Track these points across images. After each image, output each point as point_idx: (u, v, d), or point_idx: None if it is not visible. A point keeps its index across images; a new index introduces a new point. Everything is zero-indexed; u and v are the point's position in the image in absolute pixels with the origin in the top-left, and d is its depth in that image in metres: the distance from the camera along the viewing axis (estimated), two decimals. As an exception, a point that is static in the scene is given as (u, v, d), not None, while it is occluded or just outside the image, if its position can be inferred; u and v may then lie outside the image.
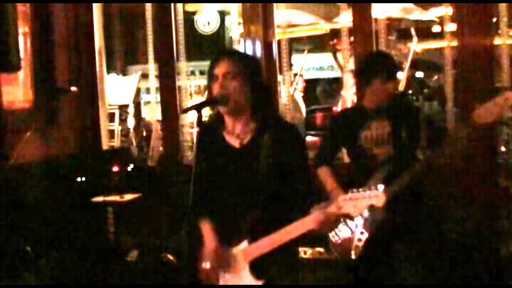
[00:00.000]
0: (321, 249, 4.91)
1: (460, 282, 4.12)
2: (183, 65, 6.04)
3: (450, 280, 3.72)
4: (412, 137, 3.46)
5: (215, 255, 2.57)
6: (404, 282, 3.44)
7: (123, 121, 7.16)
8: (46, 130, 5.62)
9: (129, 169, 5.46)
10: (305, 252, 4.94)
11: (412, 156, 3.48)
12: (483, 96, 4.75)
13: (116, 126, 6.99)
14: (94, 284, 4.67)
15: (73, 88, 5.62)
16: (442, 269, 3.49)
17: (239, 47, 6.01)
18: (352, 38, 5.57)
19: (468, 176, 4.68)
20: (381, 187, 2.34)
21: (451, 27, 5.49)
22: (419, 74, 9.94)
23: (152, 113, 6.52)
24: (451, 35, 5.36)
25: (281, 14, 6.13)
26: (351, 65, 5.88)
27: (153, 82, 6.20)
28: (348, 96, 6.00)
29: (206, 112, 2.74)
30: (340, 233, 3.53)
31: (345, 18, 5.93)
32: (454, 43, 5.25)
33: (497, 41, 5.03)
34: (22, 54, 5.05)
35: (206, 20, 6.06)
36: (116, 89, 7.20)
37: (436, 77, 9.74)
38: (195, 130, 4.53)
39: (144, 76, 7.29)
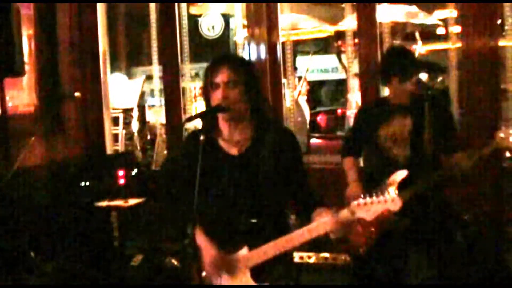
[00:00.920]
0: (326, 254, 4.91)
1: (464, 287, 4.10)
2: (187, 67, 6.04)
3: (454, 284, 3.70)
4: (434, 138, 3.38)
5: (215, 262, 2.55)
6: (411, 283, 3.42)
7: (127, 124, 7.15)
8: (51, 135, 5.62)
9: (133, 173, 5.45)
10: (310, 257, 4.93)
11: (432, 160, 3.39)
12: (487, 97, 4.79)
13: (120, 130, 6.98)
14: (98, 289, 4.67)
15: (77, 94, 5.63)
16: (447, 273, 3.47)
17: (243, 50, 6.02)
18: (356, 40, 5.56)
19: (474, 181, 4.66)
20: (394, 191, 2.33)
21: (456, 29, 5.48)
22: (423, 76, 9.90)
23: (157, 116, 6.52)
24: (456, 37, 5.35)
25: (286, 18, 6.13)
26: (355, 67, 5.86)
27: (157, 84, 6.20)
28: (353, 100, 5.99)
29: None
30: None
31: (349, 22, 5.92)
32: (459, 44, 5.24)
33: (501, 42, 5.01)
34: (26, 59, 5.06)
35: (211, 24, 6.05)
36: (121, 92, 7.19)
37: (440, 78, 9.70)
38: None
39: (148, 77, 7.30)
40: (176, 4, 5.87)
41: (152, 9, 6.12)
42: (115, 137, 6.78)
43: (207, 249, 2.57)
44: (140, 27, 10.20)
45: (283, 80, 5.87)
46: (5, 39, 4.39)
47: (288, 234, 2.47)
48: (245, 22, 5.88)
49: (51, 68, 5.87)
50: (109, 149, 6.22)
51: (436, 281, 3.42)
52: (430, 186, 3.34)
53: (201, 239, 2.58)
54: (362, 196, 2.35)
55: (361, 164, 4.17)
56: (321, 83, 13.71)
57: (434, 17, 7.57)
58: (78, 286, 4.73)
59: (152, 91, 7.39)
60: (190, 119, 2.70)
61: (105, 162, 5.69)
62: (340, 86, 12.61)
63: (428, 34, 8.28)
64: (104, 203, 5.21)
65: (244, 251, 2.52)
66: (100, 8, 6.16)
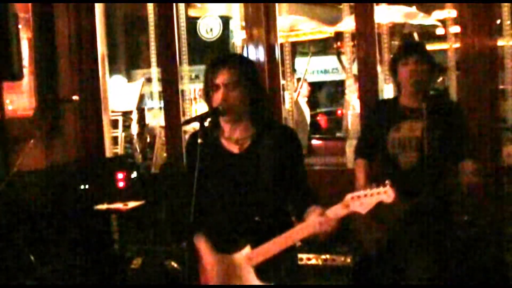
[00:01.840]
0: (326, 256, 4.90)
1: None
2: (186, 70, 6.04)
3: (454, 285, 3.69)
4: (445, 145, 3.29)
5: (217, 266, 2.54)
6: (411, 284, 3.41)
7: (126, 127, 7.15)
8: (49, 138, 5.62)
9: (132, 176, 5.45)
10: (309, 259, 4.93)
11: (440, 167, 3.30)
12: (486, 97, 4.78)
13: (119, 133, 6.98)
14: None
15: (75, 97, 5.61)
16: (447, 274, 3.46)
17: (242, 52, 6.02)
18: (355, 42, 5.56)
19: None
20: (387, 182, 2.32)
21: (455, 29, 5.48)
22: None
23: (156, 119, 6.51)
24: (455, 37, 5.35)
25: (284, 20, 6.13)
26: (354, 68, 5.86)
27: (156, 87, 6.20)
28: (351, 101, 5.99)
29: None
30: None
31: (348, 24, 5.91)
32: (458, 45, 5.23)
33: (500, 42, 5.01)
34: (25, 62, 5.06)
35: (209, 26, 6.06)
36: (120, 95, 7.19)
37: (440, 78, 9.71)
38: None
39: (148, 80, 7.30)
40: (174, 6, 5.86)
41: (151, 11, 6.12)
42: (115, 140, 6.78)
43: (207, 255, 2.57)
44: (138, 29, 10.22)
45: (282, 82, 5.87)
46: (3, 43, 4.38)
47: (287, 231, 2.48)
48: (244, 24, 5.88)
49: (50, 72, 5.86)
50: (109, 152, 6.21)
51: (436, 282, 3.41)
52: (434, 197, 3.26)
53: (201, 244, 2.58)
54: (357, 190, 2.35)
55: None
56: (321, 84, 13.73)
57: (433, 18, 7.57)
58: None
59: (151, 93, 7.39)
60: (188, 121, 2.69)
61: (104, 165, 5.67)
62: (340, 87, 12.61)
63: (427, 34, 8.28)
64: (103, 206, 5.19)
65: (247, 250, 2.51)
66: (99, 11, 6.15)
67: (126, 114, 7.22)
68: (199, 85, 8.22)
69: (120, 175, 5.25)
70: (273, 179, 2.55)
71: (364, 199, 2.34)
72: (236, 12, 6.62)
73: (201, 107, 7.76)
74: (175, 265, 4.87)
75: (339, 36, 8.00)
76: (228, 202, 2.60)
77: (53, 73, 5.88)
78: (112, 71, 7.47)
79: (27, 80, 5.50)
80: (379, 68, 5.46)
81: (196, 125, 2.51)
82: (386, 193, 2.32)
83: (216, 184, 2.61)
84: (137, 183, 5.46)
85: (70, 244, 5.09)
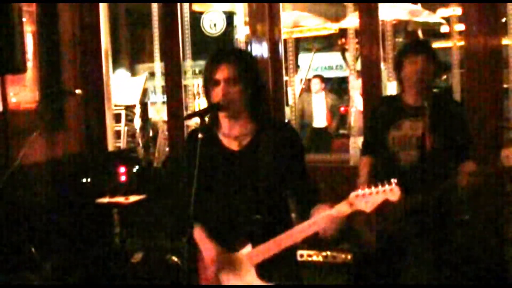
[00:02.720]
0: (327, 253, 4.90)
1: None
2: (189, 64, 6.03)
3: (454, 285, 3.69)
4: (446, 145, 3.28)
5: (217, 261, 2.53)
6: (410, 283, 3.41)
7: (129, 121, 7.16)
8: (52, 131, 5.62)
9: (134, 170, 5.45)
10: (310, 256, 4.93)
11: (441, 166, 3.27)
12: (490, 96, 4.77)
13: (122, 127, 6.99)
14: (98, 286, 4.67)
15: (78, 91, 5.62)
16: (447, 273, 3.45)
17: (245, 47, 6.00)
18: (359, 39, 5.54)
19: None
20: (393, 180, 2.30)
21: (459, 27, 5.46)
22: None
23: (159, 113, 6.52)
24: (459, 35, 5.33)
25: (288, 16, 6.11)
26: (358, 65, 5.84)
27: (159, 81, 6.20)
28: (355, 98, 5.97)
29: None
30: None
31: (352, 20, 5.90)
32: (462, 43, 5.21)
33: (505, 41, 4.99)
34: (29, 55, 5.06)
35: (213, 21, 6.05)
36: (123, 89, 7.20)
37: (444, 76, 9.69)
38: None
39: (151, 74, 7.30)
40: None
41: (154, 6, 6.11)
42: (117, 134, 6.79)
43: (207, 249, 2.56)
44: (142, 24, 10.21)
45: (285, 78, 5.86)
46: (7, 36, 4.38)
47: (290, 230, 2.46)
48: (247, 20, 5.87)
49: (53, 65, 5.86)
50: (111, 146, 6.22)
51: (436, 281, 3.40)
52: (434, 198, 3.24)
53: (201, 238, 2.57)
54: (361, 187, 2.33)
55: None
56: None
57: (438, 16, 7.56)
58: (78, 284, 4.73)
59: (154, 88, 7.39)
60: (189, 116, 2.66)
61: (106, 158, 5.68)
62: (343, 84, 12.59)
63: (431, 32, 8.26)
64: (105, 200, 5.21)
65: (248, 249, 2.50)
66: (103, 5, 6.16)
67: (129, 108, 7.23)
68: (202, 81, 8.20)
69: (122, 169, 5.26)
70: (273, 177, 2.53)
71: (369, 197, 2.31)
72: (240, 7, 6.61)
73: (204, 102, 7.75)
74: (176, 259, 4.88)
75: (342, 32, 7.99)
76: (227, 200, 2.57)
77: (57, 67, 5.88)
78: (115, 65, 7.48)
79: (30, 73, 5.50)
80: (382, 66, 5.44)
81: (198, 120, 2.49)
82: (392, 191, 2.29)
83: (215, 182, 2.58)
84: (139, 177, 5.46)
85: (71, 237, 5.10)
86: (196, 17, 6.58)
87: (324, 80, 8.75)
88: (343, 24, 6.80)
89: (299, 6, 7.32)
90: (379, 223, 3.39)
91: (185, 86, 6.04)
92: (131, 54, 11.04)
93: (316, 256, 4.92)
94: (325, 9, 8.49)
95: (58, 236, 5.11)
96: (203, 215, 2.54)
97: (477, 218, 4.51)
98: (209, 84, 2.54)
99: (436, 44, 8.15)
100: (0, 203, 4.53)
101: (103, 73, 6.14)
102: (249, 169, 2.54)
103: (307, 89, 9.28)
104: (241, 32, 6.52)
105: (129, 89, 7.34)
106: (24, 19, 4.64)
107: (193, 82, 6.30)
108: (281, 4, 5.63)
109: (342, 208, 2.37)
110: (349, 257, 4.74)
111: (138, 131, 7.03)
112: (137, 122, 7.11)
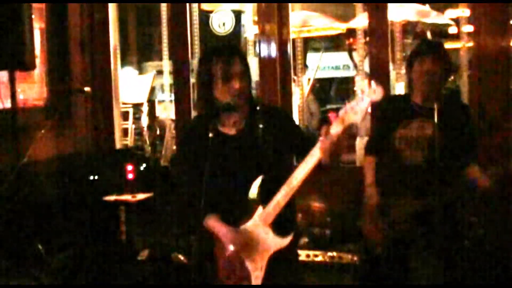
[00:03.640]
0: (333, 253, 4.90)
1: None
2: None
3: (461, 286, 3.68)
4: (453, 147, 3.26)
5: (236, 241, 2.57)
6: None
7: (137, 119, 7.16)
8: (60, 129, 5.64)
9: (141, 168, 5.47)
10: (316, 256, 4.93)
11: (448, 168, 3.23)
12: (498, 97, 4.76)
13: (130, 125, 6.99)
14: (104, 283, 4.68)
15: (87, 89, 5.63)
16: (454, 276, 3.45)
17: (254, 47, 6.01)
18: (367, 39, 5.53)
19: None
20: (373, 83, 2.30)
21: (468, 28, 5.44)
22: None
23: (166, 112, 6.52)
24: (468, 36, 5.31)
25: (297, 15, 6.10)
26: (366, 65, 5.83)
27: (167, 79, 6.22)
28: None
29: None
30: None
31: (361, 21, 5.89)
32: (470, 44, 5.20)
33: (513, 42, 4.97)
34: (37, 52, 5.07)
35: (222, 20, 6.06)
36: (131, 87, 7.21)
37: (452, 78, 9.65)
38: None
39: (159, 72, 7.30)
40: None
41: (163, 4, 6.13)
42: (125, 132, 6.79)
43: (224, 234, 2.60)
44: (151, 22, 10.22)
45: (293, 77, 5.86)
46: (16, 32, 4.39)
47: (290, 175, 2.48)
48: (256, 19, 5.87)
49: (62, 62, 5.89)
50: (118, 144, 6.23)
51: (443, 283, 3.39)
52: (442, 203, 3.20)
53: (215, 225, 2.62)
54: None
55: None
56: (331, 81, 13.65)
57: (446, 17, 7.52)
58: (85, 281, 4.74)
59: (162, 86, 7.39)
60: (201, 117, 2.73)
61: (114, 156, 5.71)
62: (350, 84, 12.57)
63: (440, 33, 8.22)
64: (112, 198, 5.23)
65: (259, 211, 2.55)
66: (112, 3, 6.17)
67: (137, 106, 7.23)
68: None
69: (129, 167, 5.27)
70: (272, 151, 2.61)
71: (356, 107, 2.29)
72: (249, 6, 6.61)
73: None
74: (182, 257, 4.89)
75: (350, 32, 7.97)
76: (235, 182, 2.63)
77: (65, 64, 5.91)
78: (123, 63, 7.48)
79: (39, 70, 5.52)
80: (391, 66, 5.43)
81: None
82: (374, 92, 2.28)
83: (220, 168, 2.64)
84: (146, 175, 5.48)
85: (78, 234, 5.12)
86: (205, 16, 6.59)
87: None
88: (351, 24, 6.78)
89: (308, 6, 7.29)
90: (385, 225, 3.38)
91: (193, 84, 6.04)
92: (139, 52, 11.05)
93: (321, 257, 4.91)
94: (334, 9, 8.47)
95: (65, 233, 5.13)
96: (213, 202, 2.59)
97: (486, 221, 4.50)
98: (209, 78, 2.58)
99: (445, 45, 8.12)
100: (7, 200, 4.55)
101: (112, 71, 6.16)
102: (250, 148, 2.63)
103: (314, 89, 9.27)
104: (250, 31, 6.52)
105: (137, 87, 7.35)
106: (33, 16, 4.65)
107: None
108: (290, 4, 5.63)
109: (335, 129, 2.34)
110: (355, 258, 4.73)
111: (145, 129, 7.04)
112: (145, 120, 7.11)
